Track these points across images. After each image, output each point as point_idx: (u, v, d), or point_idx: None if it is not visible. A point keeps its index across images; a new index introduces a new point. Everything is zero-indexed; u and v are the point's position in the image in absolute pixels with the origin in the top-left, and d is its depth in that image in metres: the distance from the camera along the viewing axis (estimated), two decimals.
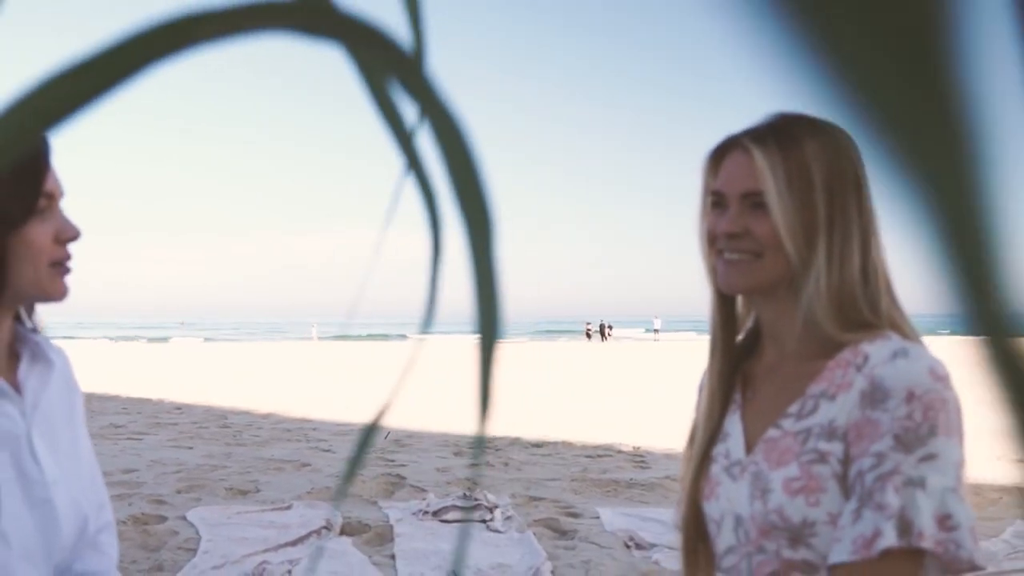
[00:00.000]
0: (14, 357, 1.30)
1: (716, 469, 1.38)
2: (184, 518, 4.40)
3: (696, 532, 1.43)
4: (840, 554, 1.17)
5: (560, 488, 5.36)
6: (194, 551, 3.80)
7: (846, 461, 1.20)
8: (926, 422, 1.14)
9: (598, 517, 4.53)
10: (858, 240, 1.27)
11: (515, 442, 7.57)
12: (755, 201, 1.27)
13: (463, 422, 8.68)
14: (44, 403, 1.30)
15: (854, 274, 1.25)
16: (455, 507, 4.39)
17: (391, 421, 8.78)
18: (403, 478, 5.58)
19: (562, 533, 4.24)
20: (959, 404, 1.18)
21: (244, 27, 0.21)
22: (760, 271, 1.28)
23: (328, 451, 6.96)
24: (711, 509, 1.38)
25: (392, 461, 6.31)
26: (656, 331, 53.32)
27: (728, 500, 1.34)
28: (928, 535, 1.12)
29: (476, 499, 4.52)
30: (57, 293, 1.22)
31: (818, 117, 1.33)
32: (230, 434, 8.02)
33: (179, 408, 10.70)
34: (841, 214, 1.27)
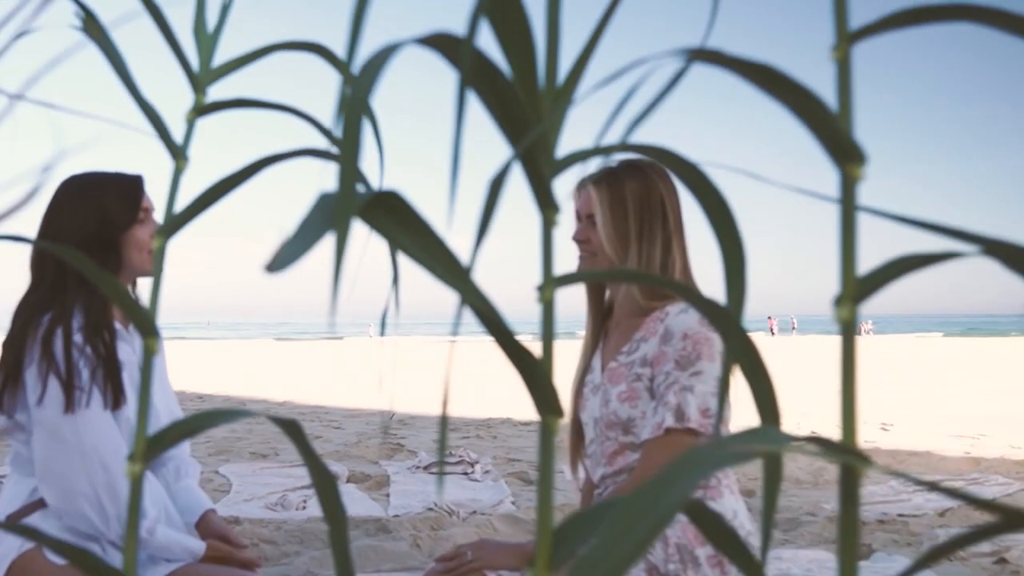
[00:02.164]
0: (123, 315, 2.04)
1: (586, 391, 2.12)
2: (217, 471, 5.16)
3: (576, 430, 2.17)
4: (645, 434, 1.90)
5: (536, 453, 6.09)
6: (227, 492, 4.57)
7: (651, 378, 1.94)
8: (695, 352, 1.87)
9: (562, 472, 5.26)
10: (660, 244, 1.99)
11: (505, 421, 8.30)
12: (592, 220, 2.01)
13: (465, 409, 9.42)
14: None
15: (656, 265, 1.98)
16: (445, 463, 5.14)
17: (400, 406, 9.54)
18: (402, 446, 6.33)
19: (530, 482, 4.98)
20: (718, 340, 1.92)
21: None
22: (595, 265, 2.02)
23: (338, 428, 7.71)
24: (583, 415, 2.12)
25: (395, 435, 7.06)
26: None
27: (590, 409, 2.08)
28: (694, 420, 1.84)
29: (460, 456, 5.26)
30: (149, 271, 1.97)
31: (646, 161, 2.06)
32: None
33: (201, 397, 11.44)
34: (648, 229, 2.00)
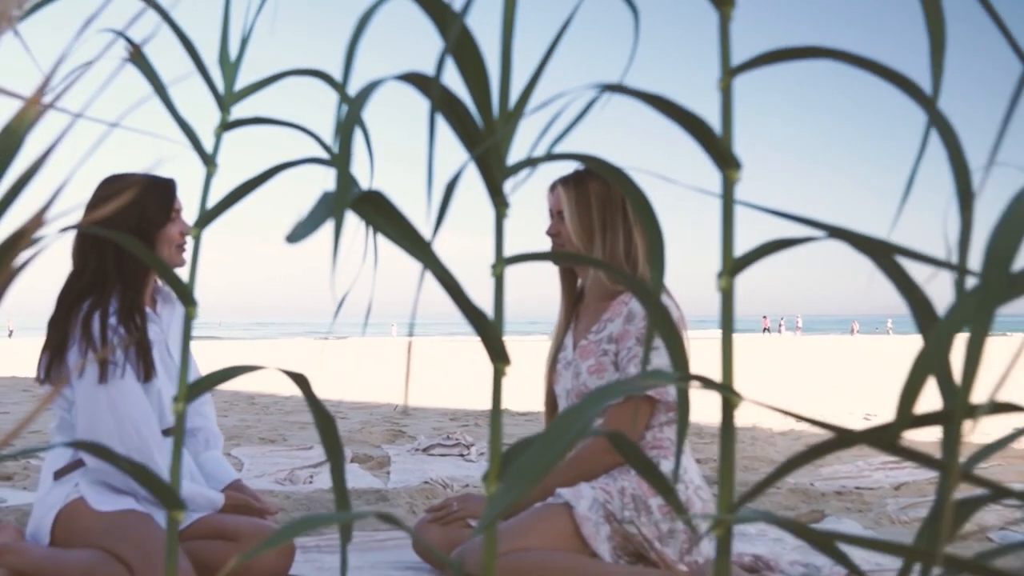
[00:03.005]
0: (153, 300, 2.26)
1: (559, 367, 2.35)
2: (229, 453, 5.40)
3: (550, 402, 2.39)
4: (607, 402, 2.11)
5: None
6: (240, 470, 4.80)
7: (616, 353, 2.16)
8: (678, 344, 2.09)
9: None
10: (622, 235, 2.21)
11: (503, 411, 8.55)
12: (561, 216, 2.23)
13: (465, 401, 9.65)
14: (172, 326, 2.26)
15: (620, 253, 2.20)
16: (440, 444, 5.36)
17: (408, 400, 9.78)
18: (404, 432, 6.56)
19: None
20: (679, 319, 2.14)
21: None
22: (564, 249, 2.24)
23: (344, 418, 7.94)
24: (557, 388, 2.34)
25: (398, 423, 7.28)
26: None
27: (563, 382, 2.30)
28: (650, 388, 2.05)
29: (456, 439, 5.49)
30: (179, 263, 2.19)
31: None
32: (259, 407, 9.02)
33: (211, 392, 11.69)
34: (611, 222, 2.21)
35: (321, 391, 8.06)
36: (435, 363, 18.32)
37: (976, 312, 0.77)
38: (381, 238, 0.99)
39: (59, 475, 1.97)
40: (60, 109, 1.00)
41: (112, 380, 1.92)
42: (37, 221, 0.89)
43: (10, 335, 36.46)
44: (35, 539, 1.99)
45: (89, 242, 2.07)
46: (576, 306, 2.32)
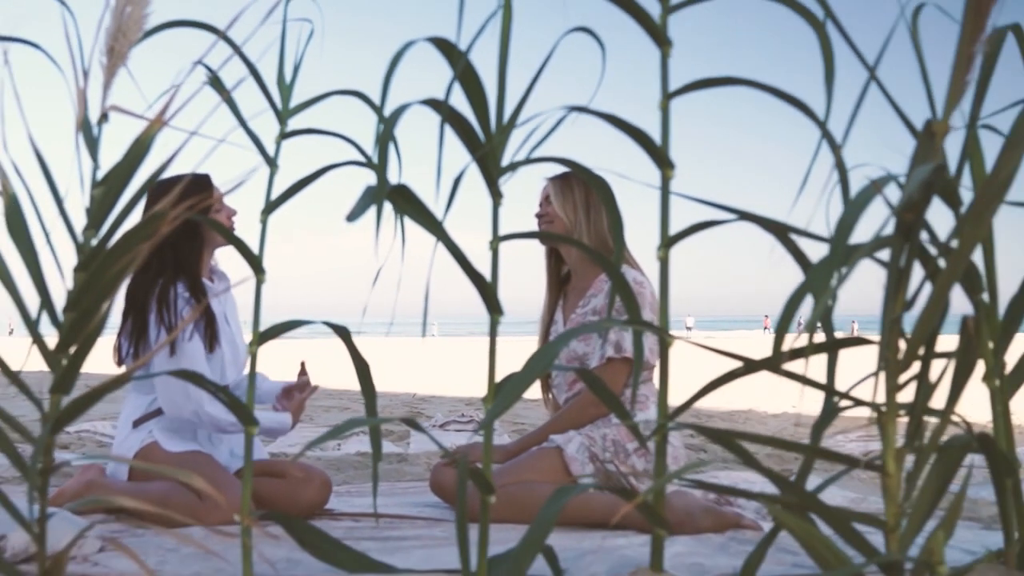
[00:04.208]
0: (210, 278, 2.57)
1: (551, 339, 2.64)
2: None
3: (545, 372, 2.68)
4: (593, 363, 2.41)
5: (541, 419, 6.65)
6: (273, 441, 5.13)
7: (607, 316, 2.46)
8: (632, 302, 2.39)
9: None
10: (605, 217, 2.50)
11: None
12: (548, 200, 2.52)
13: (481, 390, 9.99)
14: (227, 299, 2.57)
15: (604, 230, 2.49)
16: (455, 421, 5.68)
17: (427, 389, 10.11)
18: (422, 413, 6.89)
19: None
20: (649, 294, 2.42)
21: None
22: (551, 230, 2.54)
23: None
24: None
25: (416, 408, 7.62)
26: (689, 329, 52.21)
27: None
28: (628, 351, 2.35)
29: (471, 417, 5.81)
30: (223, 244, 2.48)
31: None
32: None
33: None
34: (595, 203, 2.49)
35: (348, 382, 8.34)
36: (456, 357, 18.69)
37: (825, 266, 1.09)
38: (409, 223, 1.31)
39: (137, 423, 2.30)
40: (174, 127, 1.33)
41: (180, 345, 2.24)
42: (158, 216, 1.22)
43: (10, 333, 37.32)
44: (115, 477, 2.32)
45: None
46: (564, 286, 2.61)
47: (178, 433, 2.28)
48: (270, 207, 1.57)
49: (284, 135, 1.62)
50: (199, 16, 1.58)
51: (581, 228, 2.43)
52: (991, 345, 1.29)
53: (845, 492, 2.87)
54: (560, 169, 2.42)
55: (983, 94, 1.30)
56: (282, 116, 1.65)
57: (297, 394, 2.42)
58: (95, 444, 4.54)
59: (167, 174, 1.47)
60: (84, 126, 1.32)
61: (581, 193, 2.44)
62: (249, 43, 1.54)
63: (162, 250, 2.28)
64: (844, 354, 1.33)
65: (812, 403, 7.23)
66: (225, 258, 2.53)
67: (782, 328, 1.12)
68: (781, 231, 1.31)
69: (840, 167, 1.31)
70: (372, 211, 1.24)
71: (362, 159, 1.54)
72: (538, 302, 2.74)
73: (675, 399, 1.32)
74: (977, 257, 1.29)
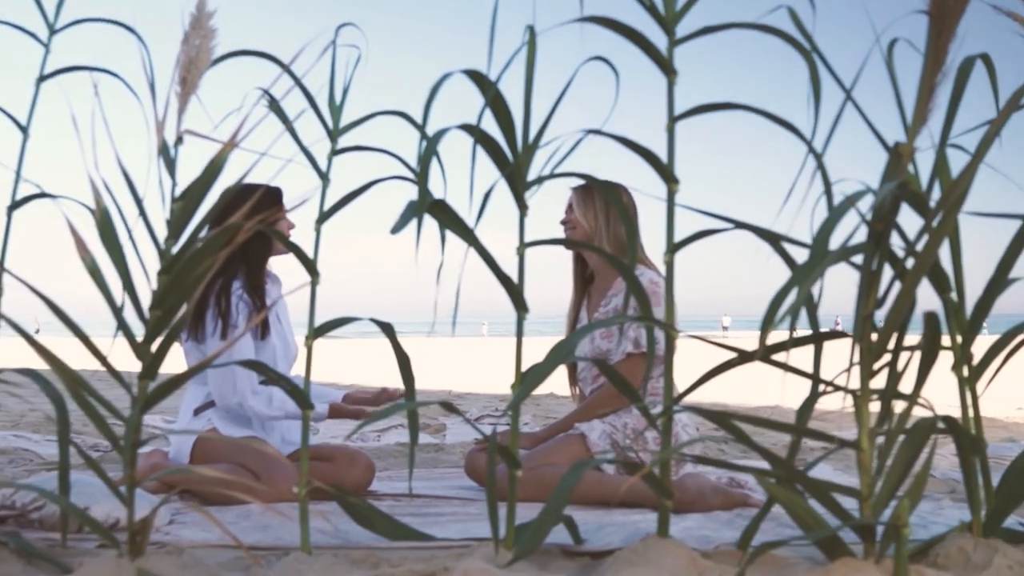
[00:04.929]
0: (265, 279, 2.74)
1: None
2: None
3: (571, 365, 2.83)
4: (615, 358, 2.56)
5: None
6: (316, 433, 5.34)
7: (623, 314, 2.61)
8: (656, 302, 2.54)
9: None
10: (624, 224, 2.65)
11: (549, 395, 9.01)
12: (571, 209, 2.67)
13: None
14: (278, 299, 2.76)
15: (623, 238, 2.63)
16: (489, 415, 5.86)
17: (463, 386, 10.31)
18: (457, 408, 7.08)
19: None
20: (662, 293, 2.56)
21: None
22: (574, 236, 2.68)
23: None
24: (576, 352, 2.78)
25: (453, 404, 7.82)
26: (726, 328, 51.36)
27: (581, 347, 2.74)
28: (645, 346, 2.50)
29: (503, 411, 5.99)
30: (283, 251, 2.66)
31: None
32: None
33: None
34: (614, 212, 2.63)
35: (391, 379, 8.51)
36: (500, 356, 18.89)
37: (806, 269, 1.24)
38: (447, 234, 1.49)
39: (197, 412, 2.50)
40: (245, 148, 1.51)
41: (232, 338, 2.43)
42: (235, 224, 1.40)
43: (36, 332, 38.31)
44: (177, 460, 2.52)
45: None
46: (588, 287, 2.77)
47: (235, 420, 2.48)
48: (323, 217, 1.75)
49: (335, 152, 1.81)
50: (256, 44, 1.77)
51: (601, 234, 2.59)
52: (959, 339, 1.44)
53: (840, 474, 3.00)
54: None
55: (953, 117, 1.45)
56: (333, 134, 1.84)
57: (353, 407, 2.60)
58: (147, 435, 4.77)
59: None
60: (163, 150, 1.51)
61: (601, 202, 2.60)
62: (297, 63, 1.72)
63: (231, 253, 2.47)
64: (829, 348, 1.48)
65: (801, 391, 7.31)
66: (275, 259, 2.72)
67: (767, 323, 1.28)
68: (773, 239, 1.47)
69: (825, 181, 1.47)
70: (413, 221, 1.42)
71: (407, 173, 1.69)
72: (566, 302, 2.90)
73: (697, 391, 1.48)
74: (947, 262, 1.44)
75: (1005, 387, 6.38)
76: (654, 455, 2.35)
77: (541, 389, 9.73)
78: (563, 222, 2.63)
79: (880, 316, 1.35)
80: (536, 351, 1.80)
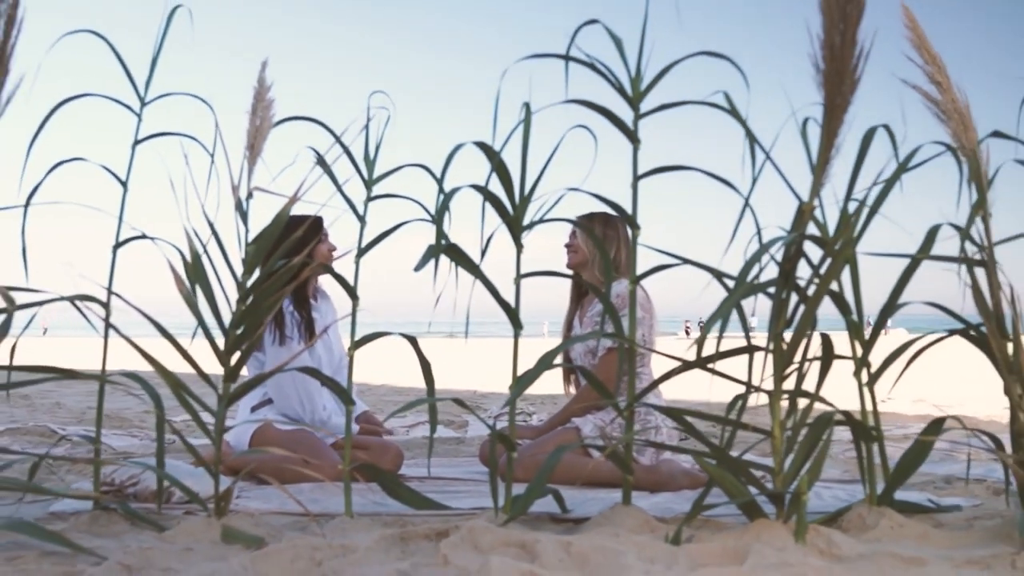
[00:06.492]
0: (315, 296, 3.11)
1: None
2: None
3: (567, 361, 3.19)
4: (600, 353, 2.92)
5: None
6: None
7: (602, 323, 2.97)
8: (622, 305, 2.89)
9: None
10: (613, 251, 3.00)
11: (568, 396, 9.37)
12: (574, 235, 3.03)
13: (533, 388, 10.49)
14: (328, 313, 3.14)
15: (618, 260, 2.99)
16: (505, 413, 6.24)
17: (487, 387, 10.67)
18: (479, 406, 7.46)
19: None
20: (647, 298, 2.92)
21: None
22: (575, 258, 3.04)
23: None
24: (572, 353, 3.14)
25: (476, 402, 8.20)
26: (688, 333, 50.85)
27: (574, 350, 3.09)
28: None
29: (521, 409, 6.36)
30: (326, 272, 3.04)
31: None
32: (355, 392, 10.03)
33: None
34: (609, 239, 2.99)
35: (415, 380, 8.82)
36: (522, 359, 19.24)
37: (731, 298, 1.60)
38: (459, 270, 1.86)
39: (254, 409, 2.89)
40: (305, 200, 1.89)
41: (289, 345, 2.82)
42: (323, 258, 1.78)
43: (44, 333, 39.34)
44: (238, 448, 2.92)
45: None
46: (582, 298, 3.13)
47: (287, 416, 2.87)
48: (361, 252, 2.13)
49: (370, 198, 2.19)
50: (303, 103, 2.16)
51: (595, 257, 2.96)
52: (859, 351, 1.79)
53: (760, 458, 3.34)
54: (578, 214, 2.97)
55: (856, 176, 1.80)
56: (368, 184, 2.22)
57: (377, 427, 3.02)
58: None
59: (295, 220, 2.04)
60: (238, 205, 1.90)
61: (599, 231, 2.97)
62: (335, 122, 2.10)
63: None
64: (760, 357, 1.84)
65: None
66: (327, 280, 3.12)
67: (702, 338, 1.65)
68: (715, 273, 1.83)
69: (756, 225, 1.83)
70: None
71: (426, 216, 2.06)
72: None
73: (675, 393, 1.84)
74: (850, 293, 1.80)
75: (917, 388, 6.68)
76: (639, 445, 2.71)
77: (558, 389, 10.07)
78: (567, 245, 3.01)
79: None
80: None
